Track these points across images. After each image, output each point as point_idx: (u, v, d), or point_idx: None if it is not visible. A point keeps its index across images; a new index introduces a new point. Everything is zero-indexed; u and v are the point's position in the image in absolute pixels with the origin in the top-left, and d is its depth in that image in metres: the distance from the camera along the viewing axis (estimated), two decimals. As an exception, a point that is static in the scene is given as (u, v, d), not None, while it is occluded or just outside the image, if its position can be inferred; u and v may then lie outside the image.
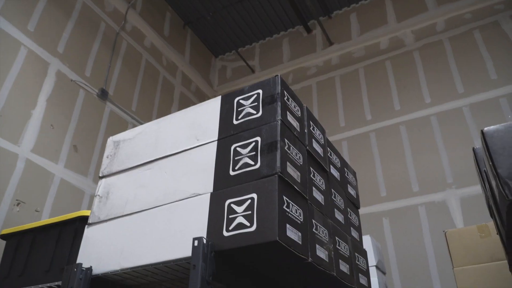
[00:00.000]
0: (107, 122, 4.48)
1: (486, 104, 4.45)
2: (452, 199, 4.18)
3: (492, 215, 1.64)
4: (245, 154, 1.47)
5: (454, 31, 5.07)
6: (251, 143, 1.48)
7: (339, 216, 1.80)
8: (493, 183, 1.15)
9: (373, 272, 2.98)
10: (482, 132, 1.16)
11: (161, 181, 1.64)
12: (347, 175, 2.08)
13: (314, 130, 1.76)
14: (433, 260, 4.04)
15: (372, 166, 4.82)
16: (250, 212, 1.34)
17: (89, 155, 4.17)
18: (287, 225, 1.32)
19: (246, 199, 1.37)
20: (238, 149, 1.50)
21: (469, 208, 4.06)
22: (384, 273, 3.21)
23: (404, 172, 4.59)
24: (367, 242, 3.09)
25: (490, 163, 1.10)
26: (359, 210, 2.14)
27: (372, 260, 3.03)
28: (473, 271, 2.22)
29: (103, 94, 4.50)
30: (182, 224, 1.47)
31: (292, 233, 1.34)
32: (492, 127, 1.15)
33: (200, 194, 1.50)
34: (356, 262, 1.83)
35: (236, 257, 1.38)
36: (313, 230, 1.50)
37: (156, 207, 1.59)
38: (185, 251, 1.37)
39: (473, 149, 1.60)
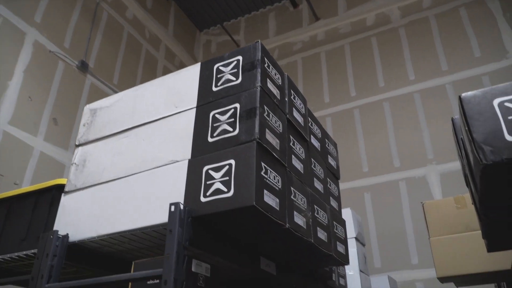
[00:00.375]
0: (88, 95, 4.39)
1: (469, 81, 4.49)
2: (432, 175, 4.25)
3: (467, 184, 1.66)
4: (224, 121, 1.45)
5: (441, 8, 5.06)
6: (230, 109, 1.46)
7: (318, 185, 1.81)
8: (469, 148, 1.16)
9: (352, 243, 3.03)
10: (460, 98, 1.16)
11: (138, 149, 1.62)
12: (328, 146, 2.08)
13: (295, 99, 1.75)
14: (411, 233, 4.13)
15: (355, 142, 4.85)
16: (227, 178, 1.33)
17: (69, 128, 4.10)
18: (265, 191, 1.32)
19: (224, 165, 1.36)
20: (217, 116, 1.48)
21: (448, 183, 4.13)
22: (363, 244, 3.26)
23: (386, 148, 4.63)
24: (348, 215, 3.13)
25: (466, 128, 1.10)
26: (339, 181, 2.15)
27: (352, 232, 3.08)
28: (448, 240, 2.27)
29: (83, 66, 4.39)
30: (160, 191, 1.46)
31: (270, 199, 1.33)
32: (470, 92, 1.15)
33: (178, 161, 1.49)
34: (335, 230, 1.84)
35: (213, 223, 1.38)
36: (292, 197, 1.50)
37: (133, 174, 1.57)
38: (162, 217, 1.36)
39: (452, 119, 1.61)
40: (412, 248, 4.09)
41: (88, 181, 1.68)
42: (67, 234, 1.59)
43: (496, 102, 1.08)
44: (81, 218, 1.60)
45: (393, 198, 4.36)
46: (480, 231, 1.85)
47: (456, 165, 4.11)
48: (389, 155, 4.58)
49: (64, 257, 1.55)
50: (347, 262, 1.92)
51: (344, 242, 1.94)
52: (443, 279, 2.28)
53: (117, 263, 1.73)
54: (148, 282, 1.35)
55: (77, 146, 1.83)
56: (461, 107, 1.15)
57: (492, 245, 1.70)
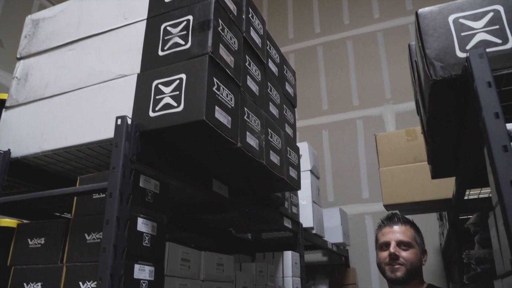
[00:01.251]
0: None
1: (431, 22, 4.49)
2: (388, 114, 4.35)
3: (418, 111, 1.69)
4: (176, 34, 1.37)
5: None
6: (182, 22, 1.38)
7: (273, 110, 1.79)
8: (421, 67, 1.16)
9: (307, 175, 3.10)
10: (416, 14, 1.14)
11: (84, 62, 1.52)
12: (286, 72, 2.05)
13: (253, 18, 1.67)
14: (364, 169, 4.29)
15: (317, 80, 4.84)
16: (178, 92, 1.28)
17: (16, 51, 3.82)
18: (216, 107, 1.28)
19: (175, 80, 1.30)
20: (168, 28, 1.40)
21: (402, 123, 4.25)
22: (317, 177, 3.35)
23: (346, 87, 4.66)
24: (304, 148, 3.17)
25: (420, 44, 1.09)
26: (299, 118, 2.14)
27: (307, 165, 3.14)
28: (396, 170, 2.36)
29: (30, -16, 4.02)
30: (107, 106, 1.39)
31: (221, 116, 1.30)
32: (426, 8, 1.13)
33: (126, 75, 1.41)
34: (288, 156, 1.86)
35: (163, 139, 1.34)
36: (245, 117, 1.48)
37: (79, 89, 1.49)
38: (109, 133, 1.30)
39: (409, 45, 1.60)
40: (364, 183, 4.27)
41: (30, 96, 1.58)
42: (9, 150, 1.51)
43: (451, 18, 1.07)
44: (23, 134, 1.53)
45: (349, 136, 4.46)
46: (426, 162, 1.92)
47: (411, 105, 4.21)
48: (349, 93, 4.62)
49: (5, 173, 1.49)
50: (299, 187, 1.96)
51: (297, 168, 1.96)
52: (389, 207, 2.39)
53: (65, 183, 1.69)
54: (94, 197, 1.32)
55: (19, 59, 1.71)
56: (417, 23, 1.13)
57: (436, 172, 1.77)
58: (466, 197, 2.09)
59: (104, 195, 1.26)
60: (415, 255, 1.53)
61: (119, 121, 1.26)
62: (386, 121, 4.34)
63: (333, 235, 3.62)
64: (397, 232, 1.56)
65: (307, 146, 3.21)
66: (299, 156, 2.01)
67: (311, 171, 3.16)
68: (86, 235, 1.27)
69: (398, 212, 1.99)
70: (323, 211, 3.47)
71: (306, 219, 2.92)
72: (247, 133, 1.47)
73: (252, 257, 2.61)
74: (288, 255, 2.51)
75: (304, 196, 3.00)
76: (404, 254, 1.52)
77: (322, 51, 4.94)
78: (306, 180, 3.04)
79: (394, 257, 1.51)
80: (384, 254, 1.55)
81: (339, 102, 4.63)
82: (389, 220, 1.64)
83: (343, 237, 3.71)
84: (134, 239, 1.23)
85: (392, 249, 1.52)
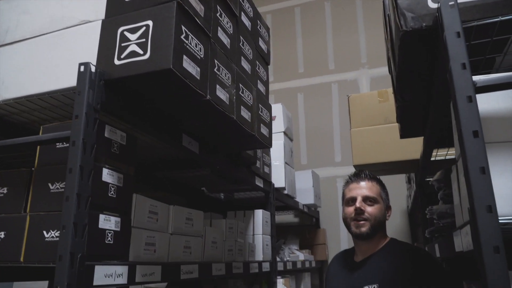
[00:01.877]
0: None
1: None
2: (363, 79, 4.37)
3: (390, 70, 1.69)
4: (143, -22, 1.31)
5: None
6: (150, -34, 1.31)
7: (245, 65, 1.76)
8: (392, 19, 1.15)
9: (280, 136, 3.11)
10: (391, -37, 1.11)
11: (47, 8, 1.44)
12: (260, 28, 2.00)
13: (225, -32, 1.61)
14: (337, 133, 4.34)
15: (294, 42, 4.78)
16: (144, 40, 1.23)
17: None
18: (184, 57, 1.24)
19: (141, 27, 1.25)
20: (135, -28, 1.33)
21: (377, 88, 4.24)
22: (291, 139, 3.37)
23: (323, 50, 4.63)
24: (278, 109, 3.17)
25: (392, -6, 1.07)
26: (275, 81, 2.11)
27: (281, 126, 3.14)
28: (367, 131, 2.39)
29: None
30: (70, 53, 1.33)
31: (190, 66, 1.27)
32: (400, -43, 1.10)
33: (90, 21, 1.35)
34: (259, 113, 1.85)
35: (129, 88, 1.30)
36: (215, 70, 1.44)
37: (41, 35, 1.41)
38: (72, 81, 1.25)
39: (383, 1, 1.57)
40: (337, 147, 4.32)
41: (-11, 42, 1.50)
42: (-33, 98, 1.44)
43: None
44: (-18, 82, 1.45)
45: (324, 100, 4.47)
46: (396, 124, 1.94)
47: (386, 70, 4.22)
48: (325, 57, 4.59)
49: (-37, 122, 1.43)
50: (270, 145, 1.96)
51: (269, 125, 1.96)
52: (358, 167, 2.43)
53: (30, 134, 1.63)
54: (58, 146, 1.29)
55: (-25, 3, 1.60)
56: (390, -27, 1.11)
57: (405, 131, 1.80)
58: (433, 158, 2.14)
59: (67, 145, 1.22)
60: (380, 210, 1.57)
61: (82, 68, 1.21)
62: (361, 85, 4.35)
63: (304, 196, 3.69)
64: (363, 188, 1.59)
65: (281, 107, 3.20)
66: (271, 114, 2.00)
67: (284, 132, 3.17)
68: (49, 184, 1.24)
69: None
70: (295, 173, 3.51)
71: (278, 179, 2.95)
72: (217, 86, 1.44)
73: (224, 216, 2.64)
74: (259, 214, 2.55)
75: (277, 157, 3.01)
76: (369, 209, 1.55)
77: (300, 12, 4.86)
78: (279, 141, 3.05)
79: (359, 212, 1.54)
80: (350, 209, 1.58)
81: (315, 65, 4.60)
82: (356, 176, 1.67)
83: (315, 199, 3.78)
84: (99, 190, 1.21)
85: (358, 204, 1.55)
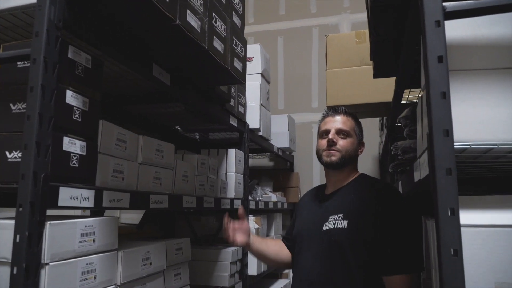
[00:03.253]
0: None
1: None
2: (344, 23, 4.30)
3: (366, 3, 1.65)
4: None
5: None
6: None
7: (220, -6, 1.69)
8: None
9: (257, 77, 3.08)
10: None
11: None
12: (237, -44, 1.92)
13: None
14: (316, 78, 4.33)
15: (276, -17, 4.63)
16: (109, -46, 1.16)
17: None
18: (152, -25, 1.18)
19: None
20: None
21: (358, 34, 4.22)
22: (268, 82, 3.34)
23: (305, -8, 4.50)
24: (256, 50, 3.11)
25: None
26: (254, 23, 2.04)
27: (258, 67, 3.10)
28: (342, 73, 2.39)
29: None
30: (30, -33, 1.25)
31: (158, -14, 1.21)
32: None
33: None
34: (233, 46, 1.81)
35: (94, 7, 1.24)
36: (186, -6, 1.39)
37: None
38: (33, -3, 1.18)
39: None
40: (314, 93, 4.32)
41: None
42: None
43: None
44: None
45: (304, 44, 4.41)
46: (371, 66, 1.94)
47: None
48: (307, -1, 4.48)
49: None
50: (244, 81, 1.94)
51: (243, 60, 1.92)
52: (332, 109, 2.44)
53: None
54: (19, 65, 1.24)
55: None
56: None
57: (378, 70, 1.80)
58: (405, 102, 2.17)
59: (29, 64, 1.17)
60: (352, 144, 1.59)
61: (42, -18, 1.13)
62: (342, 30, 4.29)
63: (279, 140, 3.72)
64: (337, 121, 1.61)
65: (259, 48, 3.14)
66: (245, 49, 1.96)
67: (261, 74, 3.13)
68: (11, 105, 1.20)
69: None
70: (271, 117, 3.52)
71: (253, 120, 2.95)
72: (188, 11, 1.39)
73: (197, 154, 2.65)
74: (232, 152, 2.57)
75: (253, 98, 3.00)
76: (341, 142, 1.58)
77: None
78: (255, 82, 3.02)
79: (331, 143, 1.56)
80: (323, 141, 1.61)
81: (297, 7, 4.48)
82: (332, 111, 1.69)
83: (289, 143, 3.83)
84: (62, 111, 1.19)
85: (330, 135, 1.58)
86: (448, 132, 0.85)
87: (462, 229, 0.82)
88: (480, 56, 0.94)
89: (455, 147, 0.86)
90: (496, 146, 0.90)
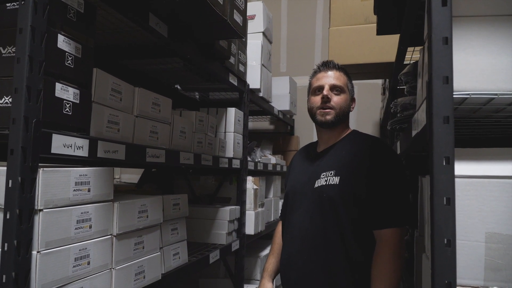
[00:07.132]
0: None
1: None
2: (351, -16, 4.17)
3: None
4: None
5: None
6: None
7: None
8: None
9: (259, 36, 3.01)
10: None
11: None
12: None
13: None
14: (319, 41, 4.24)
15: None
16: None
17: None
18: None
19: None
20: None
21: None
22: (270, 42, 3.27)
23: (312, -49, 4.34)
24: (258, 8, 3.03)
25: None
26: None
27: (260, 26, 3.03)
28: (346, 31, 2.32)
29: None
30: None
31: None
32: None
33: None
34: (233, -3, 1.75)
35: None
36: None
37: None
38: None
39: None
40: (317, 55, 4.25)
41: None
42: None
43: None
44: None
45: (309, 5, 4.29)
46: (375, 24, 1.88)
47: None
48: (314, -43, 4.32)
49: None
50: (244, 35, 1.89)
51: (243, 13, 1.87)
52: (334, 69, 2.39)
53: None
54: (8, 7, 1.19)
55: None
56: None
57: (382, 26, 1.74)
58: (408, 62, 2.12)
59: (17, 6, 1.13)
60: (345, 100, 1.57)
61: None
62: (348, -8, 4.16)
63: (280, 102, 3.69)
64: (330, 77, 1.58)
65: (262, 6, 3.05)
66: (246, 3, 1.90)
67: (263, 33, 3.06)
68: (1, 48, 1.17)
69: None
70: (273, 79, 3.47)
71: (254, 80, 2.90)
72: (185, -44, 1.34)
73: (196, 112, 2.63)
74: (232, 112, 2.54)
75: (254, 57, 2.94)
76: (335, 98, 1.55)
77: None
78: (257, 40, 2.96)
79: (326, 100, 1.53)
80: (317, 98, 1.58)
81: (302, -33, 4.34)
82: (324, 66, 1.64)
83: (290, 106, 3.79)
84: (54, 56, 1.16)
85: (325, 91, 1.54)
86: (448, 79, 0.83)
87: (456, 179, 0.81)
88: (485, 2, 0.90)
89: (454, 96, 0.84)
90: (496, 96, 0.87)
